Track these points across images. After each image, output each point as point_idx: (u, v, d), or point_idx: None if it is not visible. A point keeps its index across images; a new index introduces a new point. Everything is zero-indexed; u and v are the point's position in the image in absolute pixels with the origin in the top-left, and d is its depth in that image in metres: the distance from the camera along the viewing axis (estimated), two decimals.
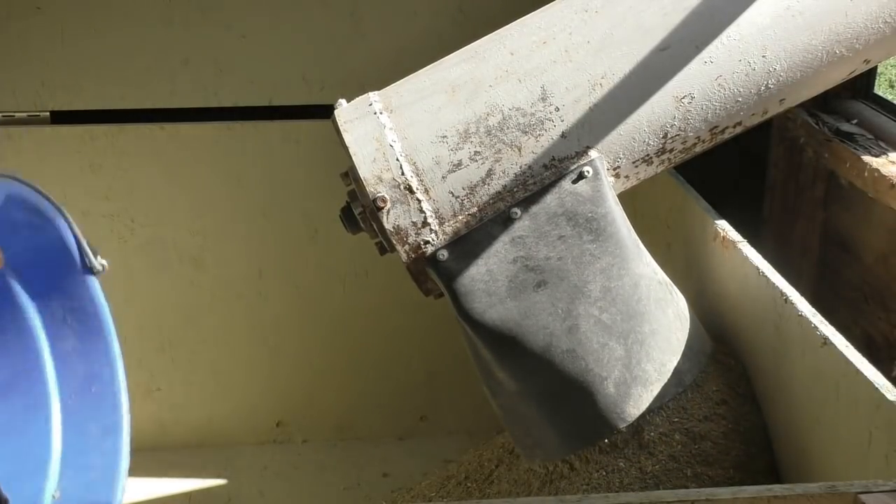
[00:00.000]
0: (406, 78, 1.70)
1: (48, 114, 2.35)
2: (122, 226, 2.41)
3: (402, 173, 1.58)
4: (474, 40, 1.74)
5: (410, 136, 1.60)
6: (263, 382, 2.57)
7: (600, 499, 1.43)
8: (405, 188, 1.58)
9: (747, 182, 2.36)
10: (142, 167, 2.39)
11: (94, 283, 1.69)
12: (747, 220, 1.93)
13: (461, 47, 1.74)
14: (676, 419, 1.61)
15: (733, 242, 1.75)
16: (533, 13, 1.70)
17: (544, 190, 1.59)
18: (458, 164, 1.58)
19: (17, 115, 2.33)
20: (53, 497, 1.65)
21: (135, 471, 2.45)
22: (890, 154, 1.94)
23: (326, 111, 2.48)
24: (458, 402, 2.61)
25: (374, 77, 2.37)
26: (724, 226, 1.80)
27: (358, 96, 1.72)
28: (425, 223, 1.58)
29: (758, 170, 2.32)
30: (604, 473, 1.63)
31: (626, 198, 1.68)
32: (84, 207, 2.38)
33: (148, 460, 2.51)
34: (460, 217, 1.59)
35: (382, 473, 2.50)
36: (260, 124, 2.42)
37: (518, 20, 1.69)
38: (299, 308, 2.53)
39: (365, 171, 1.59)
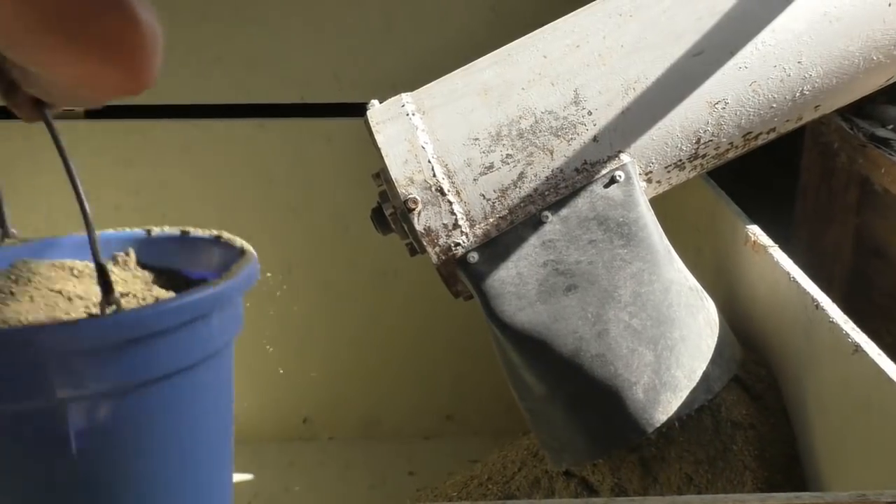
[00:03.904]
0: (439, 79, 1.70)
1: (82, 109, 2.36)
2: (152, 221, 2.37)
3: (434, 175, 1.58)
4: (506, 41, 1.74)
5: (442, 137, 1.60)
6: (290, 379, 2.58)
7: (625, 502, 1.43)
8: (436, 190, 1.58)
9: (779, 187, 2.35)
10: (173, 163, 2.40)
11: None
12: (778, 225, 1.92)
13: (493, 48, 1.73)
14: (700, 447, 1.60)
15: (764, 247, 1.74)
16: (566, 17, 1.70)
17: (575, 194, 1.58)
18: (490, 167, 1.58)
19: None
20: None
21: None
22: None
23: (358, 109, 2.49)
24: (484, 403, 2.61)
25: (405, 76, 2.37)
26: (755, 230, 1.79)
27: (389, 95, 1.72)
28: (456, 225, 1.58)
29: (789, 174, 2.30)
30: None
31: (655, 201, 1.67)
32: (115, 202, 2.40)
33: None
34: (491, 220, 1.59)
35: (408, 472, 2.50)
36: (291, 121, 2.43)
37: (551, 23, 1.69)
38: (328, 305, 2.54)
39: (397, 172, 1.59)
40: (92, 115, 2.37)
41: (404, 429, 2.64)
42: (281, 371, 2.57)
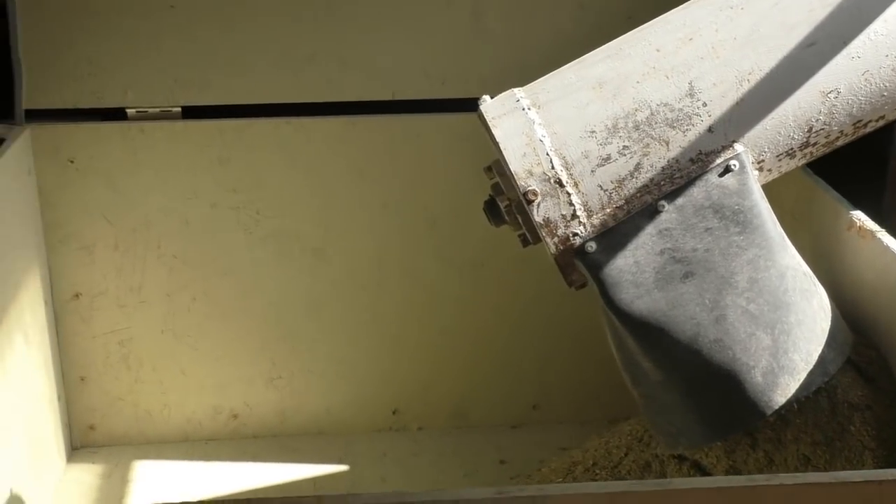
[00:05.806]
0: (549, 74, 1.74)
1: (179, 109, 2.42)
2: (247, 217, 2.48)
3: (552, 167, 1.62)
4: (594, 36, 1.78)
5: (559, 131, 1.64)
6: (381, 371, 2.63)
7: (735, 479, 1.47)
8: (555, 182, 1.62)
9: (867, 175, 2.37)
10: (268, 160, 2.45)
11: None
12: (868, 213, 1.94)
13: (581, 43, 1.78)
14: (817, 428, 1.63)
15: (871, 232, 1.77)
16: (673, 10, 1.73)
17: (691, 183, 1.62)
18: (607, 158, 1.62)
19: (150, 110, 2.41)
20: None
21: (259, 456, 2.55)
22: None
23: (446, 106, 2.54)
24: (569, 392, 2.65)
25: (493, 72, 2.42)
26: (859, 215, 1.83)
27: (478, 91, 1.77)
28: (574, 216, 1.62)
29: (879, 163, 2.32)
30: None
31: None
32: (213, 199, 2.46)
33: (270, 446, 2.59)
34: (608, 210, 1.63)
35: (499, 461, 2.54)
36: (382, 118, 2.48)
37: (660, 17, 1.73)
38: (417, 298, 2.58)
39: (516, 165, 1.63)
40: (189, 115, 2.42)
41: (491, 419, 2.68)
42: (371, 364, 2.62)
